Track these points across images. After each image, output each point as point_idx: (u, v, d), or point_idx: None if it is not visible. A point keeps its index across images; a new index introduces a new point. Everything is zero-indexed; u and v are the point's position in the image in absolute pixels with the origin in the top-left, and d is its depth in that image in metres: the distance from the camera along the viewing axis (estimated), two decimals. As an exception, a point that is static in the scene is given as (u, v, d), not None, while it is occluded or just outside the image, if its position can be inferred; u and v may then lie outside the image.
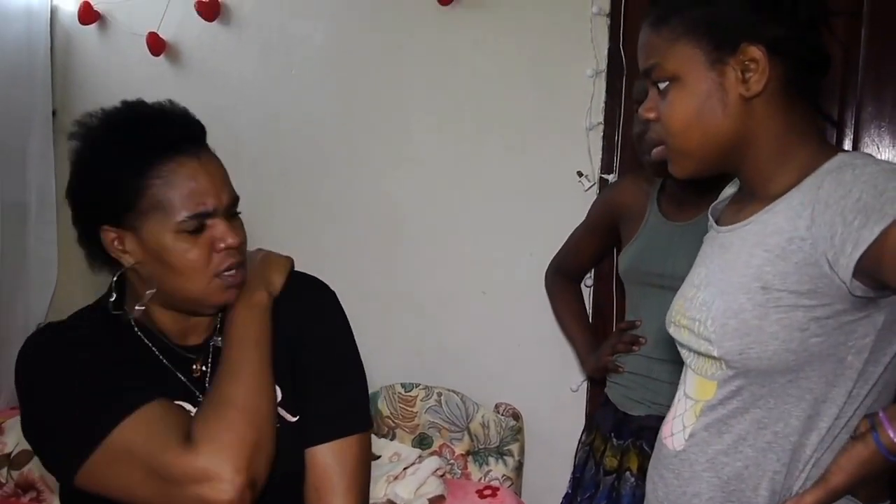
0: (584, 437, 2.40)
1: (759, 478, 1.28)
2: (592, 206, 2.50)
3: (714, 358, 1.29)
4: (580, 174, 2.77)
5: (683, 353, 1.42)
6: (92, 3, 3.51)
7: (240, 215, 1.45)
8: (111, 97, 3.50)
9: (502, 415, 2.93)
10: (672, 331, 1.43)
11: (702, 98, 1.27)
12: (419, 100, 3.08)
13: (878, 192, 1.11)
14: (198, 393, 1.46)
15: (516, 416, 2.93)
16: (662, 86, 1.31)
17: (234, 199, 1.43)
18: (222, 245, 1.39)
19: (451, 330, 3.08)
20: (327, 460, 1.45)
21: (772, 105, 1.27)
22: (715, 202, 1.52)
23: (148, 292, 1.40)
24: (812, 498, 1.18)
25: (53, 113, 3.66)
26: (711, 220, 1.45)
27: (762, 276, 1.23)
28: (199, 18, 3.30)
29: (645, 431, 2.12)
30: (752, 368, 1.24)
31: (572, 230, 2.57)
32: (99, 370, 1.34)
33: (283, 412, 1.47)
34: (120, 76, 3.55)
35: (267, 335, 1.42)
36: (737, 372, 1.27)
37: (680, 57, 1.28)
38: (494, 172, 2.96)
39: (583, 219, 2.53)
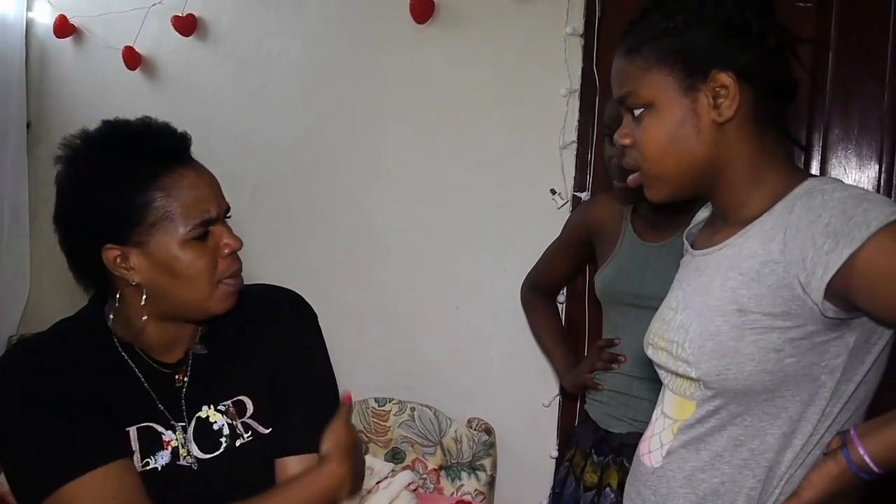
0: (563, 453, 2.41)
1: (735, 494, 1.30)
2: (567, 222, 2.52)
3: (692, 379, 1.31)
4: (553, 192, 2.80)
5: (661, 373, 1.44)
6: (68, 17, 3.53)
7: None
8: (86, 110, 3.52)
9: (475, 430, 2.94)
10: (650, 353, 1.46)
11: (676, 124, 1.30)
12: (394, 116, 3.10)
13: (847, 217, 1.15)
14: (169, 416, 1.46)
15: (489, 431, 2.94)
16: (637, 112, 1.34)
17: (227, 205, 1.49)
18: (227, 251, 1.44)
19: (425, 345, 3.10)
20: (297, 472, 1.47)
21: (743, 130, 1.30)
22: (689, 227, 1.55)
23: (143, 303, 1.42)
24: None
25: (28, 125, 3.66)
26: (687, 244, 1.48)
27: (738, 299, 1.26)
28: (176, 33, 3.32)
29: (626, 448, 2.14)
30: (730, 389, 1.27)
31: (546, 247, 2.58)
32: (68, 407, 1.34)
33: (254, 424, 1.49)
34: (95, 89, 3.55)
35: None
36: (715, 392, 1.29)
37: (653, 84, 1.31)
38: (468, 189, 2.98)
39: (556, 236, 2.55)
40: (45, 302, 3.59)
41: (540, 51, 2.82)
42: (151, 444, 1.42)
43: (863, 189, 1.23)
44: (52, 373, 1.37)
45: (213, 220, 1.42)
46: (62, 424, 1.32)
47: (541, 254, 2.59)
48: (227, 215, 1.49)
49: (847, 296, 1.16)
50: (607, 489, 2.16)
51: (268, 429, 1.51)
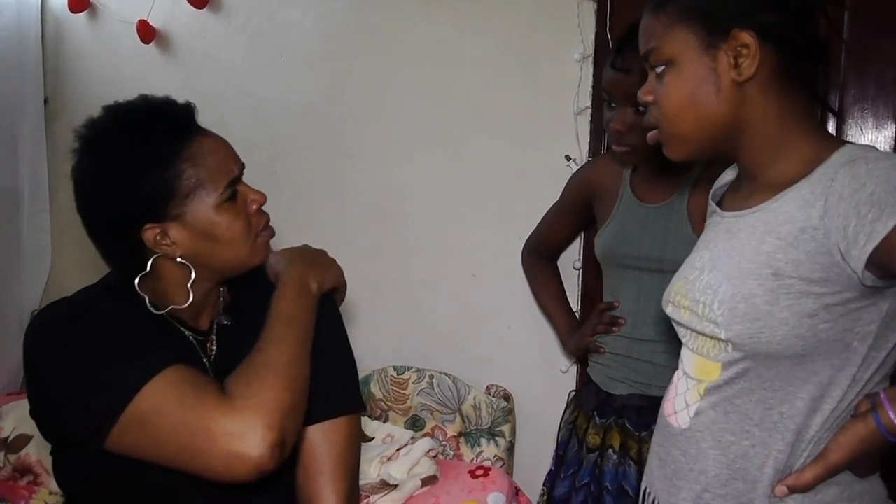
0: (566, 416, 2.43)
1: (764, 457, 1.31)
2: (567, 184, 2.51)
3: (719, 340, 1.32)
4: (568, 158, 2.80)
5: (681, 331, 1.44)
6: (82, -8, 3.52)
7: None
8: (102, 84, 3.53)
9: (493, 396, 2.96)
10: (670, 311, 1.46)
11: (696, 82, 1.31)
12: (408, 85, 3.10)
13: (892, 186, 1.15)
14: (210, 373, 1.48)
15: (507, 398, 2.96)
16: (659, 70, 1.35)
17: (243, 163, 1.54)
18: (255, 206, 1.49)
19: (443, 313, 3.12)
20: (317, 440, 1.50)
21: (766, 91, 1.30)
22: (714, 187, 1.54)
23: (190, 283, 1.45)
24: (811, 474, 1.23)
25: (45, 101, 3.67)
26: (714, 205, 1.47)
27: (773, 262, 1.25)
28: (189, 6, 3.31)
29: (626, 410, 2.16)
30: (762, 352, 1.27)
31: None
32: (119, 336, 1.35)
33: None
34: (110, 64, 3.56)
35: (312, 321, 1.46)
36: (745, 354, 1.29)
37: (676, 42, 1.32)
38: (483, 157, 2.98)
39: (568, 201, 2.56)
40: (67, 276, 3.62)
41: (553, 16, 2.81)
42: None
43: None
44: (98, 315, 1.39)
45: (238, 179, 1.47)
46: (118, 346, 1.33)
47: (552, 219, 2.60)
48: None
49: (888, 265, 1.16)
50: (609, 450, 2.18)
51: None
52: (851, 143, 1.31)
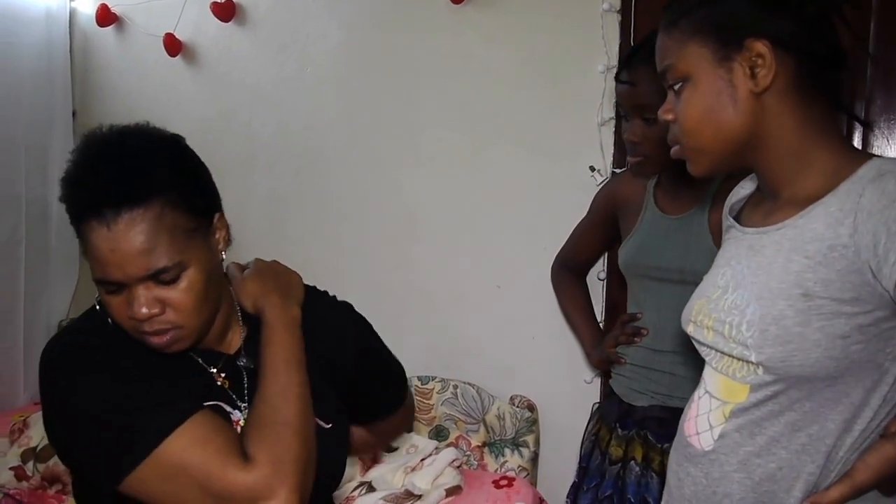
0: (589, 428, 2.43)
1: (793, 479, 1.28)
2: (594, 199, 2.51)
3: (748, 362, 1.29)
4: (593, 169, 2.80)
5: (704, 351, 1.41)
6: (109, 6, 3.57)
7: (186, 274, 1.31)
8: (129, 97, 3.58)
9: (517, 406, 2.96)
10: (691, 329, 1.43)
11: (712, 95, 1.29)
12: (432, 98, 3.12)
13: None
14: (235, 398, 1.46)
15: (531, 408, 2.96)
16: (677, 87, 1.33)
17: (156, 270, 1.28)
18: (132, 313, 1.32)
19: (467, 324, 3.12)
20: (397, 421, 1.77)
21: (784, 100, 1.28)
22: (730, 201, 1.52)
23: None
24: (837, 493, 1.19)
25: (74, 113, 3.72)
26: (731, 220, 1.45)
27: (803, 282, 1.22)
28: (215, 19, 3.35)
29: (648, 421, 2.16)
30: (794, 375, 1.24)
31: (583, 224, 2.59)
32: (142, 375, 1.33)
33: (317, 421, 1.51)
34: (137, 76, 3.60)
35: (304, 352, 1.44)
36: (776, 378, 1.26)
37: (690, 57, 1.30)
38: (507, 168, 2.99)
39: (595, 213, 2.56)
40: (94, 288, 3.65)
41: (577, 28, 2.82)
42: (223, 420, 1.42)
43: None
44: (108, 353, 1.36)
45: (112, 284, 1.33)
46: (143, 388, 1.31)
47: (580, 232, 2.60)
48: (171, 275, 1.31)
49: None
50: (632, 462, 2.17)
51: (329, 424, 1.52)
52: (879, 156, 1.27)
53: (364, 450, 1.91)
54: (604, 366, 2.42)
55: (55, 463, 2.92)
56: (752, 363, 1.28)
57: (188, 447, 1.26)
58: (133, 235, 1.25)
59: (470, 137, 3.06)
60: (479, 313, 3.09)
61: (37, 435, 3.01)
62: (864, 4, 2.38)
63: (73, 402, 1.30)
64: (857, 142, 2.47)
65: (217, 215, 1.42)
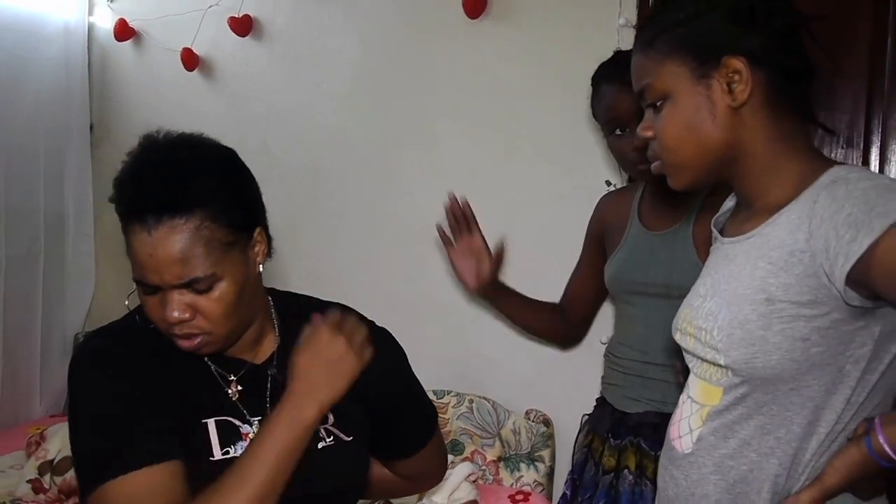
0: (580, 439, 2.42)
1: (762, 481, 1.32)
2: (587, 230, 2.49)
3: (720, 366, 1.33)
4: (608, 183, 2.80)
5: (688, 358, 1.46)
6: (127, 20, 3.60)
7: (219, 285, 1.37)
8: (147, 111, 3.59)
9: (533, 421, 2.96)
10: (678, 338, 1.48)
11: (692, 112, 1.33)
12: (448, 110, 3.12)
13: (869, 207, 1.17)
14: (245, 412, 1.48)
15: (547, 423, 2.95)
16: (657, 105, 1.37)
17: (190, 279, 1.34)
18: (164, 314, 1.37)
19: (482, 337, 3.12)
20: (422, 460, 1.76)
21: (758, 114, 1.33)
22: (717, 215, 1.56)
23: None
24: (808, 497, 1.22)
25: (91, 127, 3.74)
26: (716, 232, 1.50)
27: (766, 287, 1.28)
28: (232, 34, 3.37)
29: (642, 428, 2.15)
30: (757, 377, 1.29)
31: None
32: (135, 402, 1.37)
33: (336, 431, 1.52)
34: (155, 91, 3.62)
35: (297, 455, 1.36)
36: (743, 380, 1.31)
37: (668, 76, 1.34)
38: (523, 181, 2.99)
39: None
40: (110, 301, 3.67)
41: (592, 43, 2.80)
42: (230, 435, 1.44)
43: (889, 179, 1.24)
44: (127, 363, 1.40)
45: (149, 286, 1.37)
46: (124, 421, 1.35)
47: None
48: (203, 285, 1.36)
49: (868, 284, 1.18)
50: (625, 471, 2.16)
51: (349, 436, 1.53)
52: (842, 163, 1.33)
53: (380, 488, 1.81)
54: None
55: (72, 476, 2.92)
56: (722, 366, 1.33)
57: (130, 496, 1.30)
58: (171, 244, 1.31)
59: (486, 151, 3.06)
60: (494, 327, 3.08)
61: (53, 448, 3.01)
62: (881, 20, 2.38)
63: (73, 408, 1.41)
64: (874, 156, 2.46)
65: (258, 230, 1.44)
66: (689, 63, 1.32)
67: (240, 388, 1.50)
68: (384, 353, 1.57)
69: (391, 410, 1.63)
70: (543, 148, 2.93)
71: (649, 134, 1.40)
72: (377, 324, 1.65)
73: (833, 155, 2.48)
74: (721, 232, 1.49)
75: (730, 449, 1.35)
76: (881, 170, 2.45)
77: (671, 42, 1.34)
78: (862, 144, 2.44)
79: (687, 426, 1.42)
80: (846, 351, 1.25)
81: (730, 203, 1.55)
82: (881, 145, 2.46)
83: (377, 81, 3.24)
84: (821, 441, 1.29)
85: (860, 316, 1.23)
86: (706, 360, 1.37)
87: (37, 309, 3.59)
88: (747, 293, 1.30)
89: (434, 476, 1.88)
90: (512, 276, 3.01)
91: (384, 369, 1.57)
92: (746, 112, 1.32)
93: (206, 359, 1.48)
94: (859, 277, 1.17)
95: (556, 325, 2.62)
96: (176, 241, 1.31)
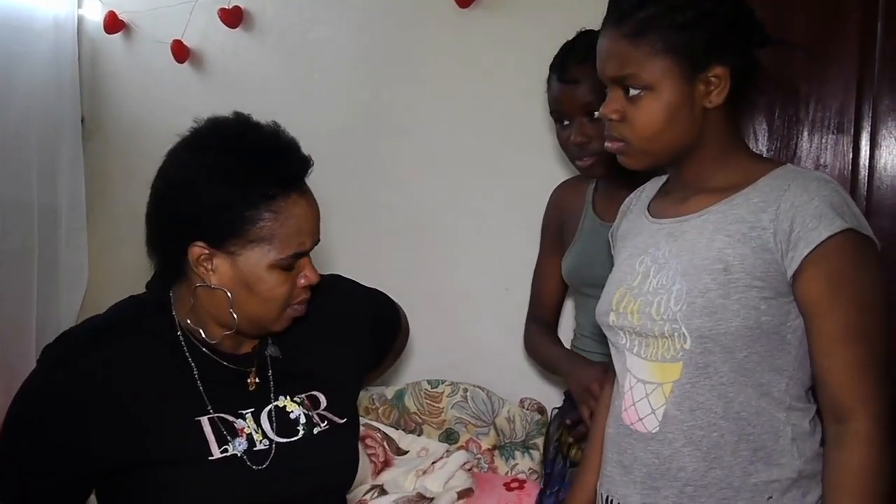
0: (551, 432, 2.41)
1: (735, 443, 1.43)
2: (543, 222, 2.45)
3: (675, 338, 1.43)
4: (601, 171, 2.80)
5: (627, 341, 1.53)
6: (117, 13, 3.58)
7: None
8: (137, 104, 3.58)
9: (527, 409, 2.96)
10: (612, 319, 1.55)
11: (674, 108, 1.43)
12: (440, 101, 3.12)
13: (832, 207, 1.36)
14: (236, 406, 1.49)
15: (541, 411, 2.96)
16: (634, 92, 1.44)
17: (319, 239, 1.51)
18: (303, 282, 1.45)
19: (476, 327, 3.13)
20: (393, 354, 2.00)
21: (722, 114, 1.47)
22: (628, 203, 1.70)
23: (235, 316, 1.44)
24: None
25: (82, 120, 3.73)
26: (648, 214, 1.61)
27: (724, 258, 1.41)
28: (223, 25, 3.36)
29: None
30: (720, 343, 1.40)
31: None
32: (61, 445, 1.41)
33: (330, 415, 1.53)
34: (145, 83, 3.62)
35: None
36: (704, 349, 1.41)
37: (657, 71, 1.42)
38: (516, 172, 3.00)
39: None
40: (103, 294, 3.65)
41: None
42: (226, 431, 1.45)
43: (844, 198, 1.40)
44: (79, 386, 1.42)
45: (305, 253, 1.45)
46: (36, 466, 1.41)
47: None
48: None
49: (804, 294, 1.38)
50: None
51: (343, 418, 1.55)
52: (787, 163, 1.51)
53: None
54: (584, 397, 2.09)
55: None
56: (680, 337, 1.42)
57: None
58: (317, 206, 1.52)
59: (478, 141, 3.06)
60: (488, 316, 3.09)
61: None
62: (871, 6, 2.38)
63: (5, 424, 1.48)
64: (864, 141, 2.46)
65: None
66: (681, 64, 1.42)
67: (257, 380, 1.52)
68: (337, 299, 1.68)
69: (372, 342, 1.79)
70: (536, 137, 2.93)
71: (615, 116, 1.46)
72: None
73: (824, 141, 2.49)
74: (651, 214, 1.61)
75: (698, 420, 1.44)
76: (872, 155, 2.45)
77: (668, 41, 1.41)
78: (853, 130, 2.45)
79: (647, 407, 1.48)
80: (786, 322, 1.41)
81: (646, 191, 1.68)
82: (871, 131, 2.46)
83: (369, 72, 3.24)
84: (779, 402, 1.43)
85: (791, 293, 1.40)
86: (658, 336, 1.45)
87: (32, 305, 3.57)
88: (704, 263, 1.42)
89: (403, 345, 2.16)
90: (506, 267, 3.03)
91: (343, 313, 1.67)
92: (714, 113, 1.46)
93: (215, 356, 1.49)
94: (804, 275, 1.36)
95: None
96: (314, 199, 1.53)
